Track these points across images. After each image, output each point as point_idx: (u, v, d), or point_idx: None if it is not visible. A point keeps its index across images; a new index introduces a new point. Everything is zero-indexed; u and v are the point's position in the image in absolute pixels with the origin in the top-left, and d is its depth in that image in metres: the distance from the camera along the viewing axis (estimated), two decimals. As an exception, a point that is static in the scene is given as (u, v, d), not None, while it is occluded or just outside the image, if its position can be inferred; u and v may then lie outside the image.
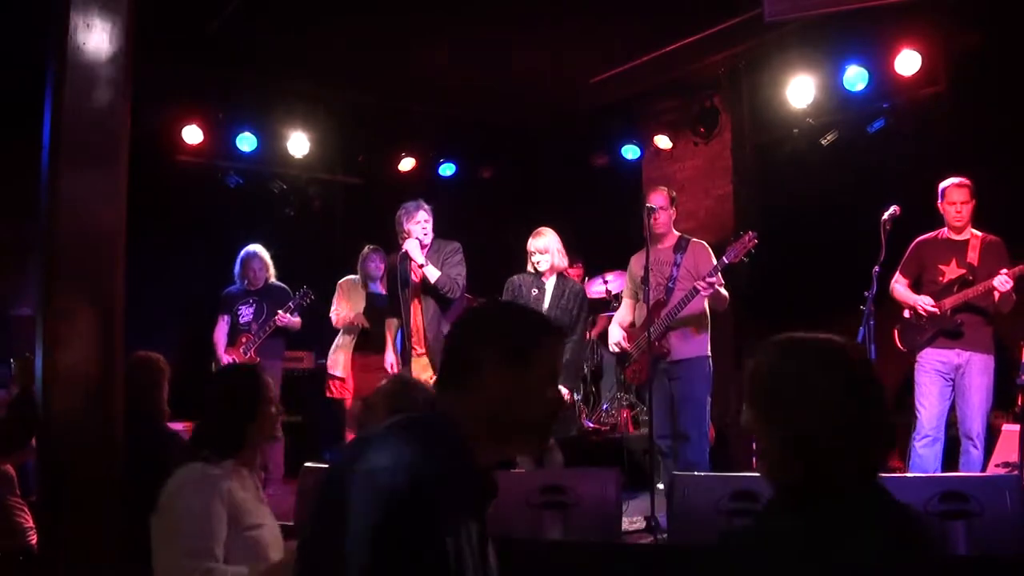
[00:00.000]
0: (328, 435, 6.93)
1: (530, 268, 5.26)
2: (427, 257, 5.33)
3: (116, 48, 2.72)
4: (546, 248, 5.16)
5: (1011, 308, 4.72)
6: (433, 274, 5.27)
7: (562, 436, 5.18)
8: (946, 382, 4.80)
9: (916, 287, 4.98)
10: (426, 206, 5.43)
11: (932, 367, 4.83)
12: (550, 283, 5.21)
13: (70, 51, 2.64)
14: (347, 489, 1.46)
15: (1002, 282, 4.57)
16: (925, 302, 4.85)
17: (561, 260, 5.26)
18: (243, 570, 2.40)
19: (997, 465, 5.13)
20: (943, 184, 4.95)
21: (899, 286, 5.04)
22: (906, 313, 4.98)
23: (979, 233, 4.91)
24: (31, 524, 4.40)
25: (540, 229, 5.28)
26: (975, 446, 4.67)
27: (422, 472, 1.44)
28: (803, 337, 1.59)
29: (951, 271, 4.88)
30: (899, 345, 5.03)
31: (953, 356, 4.79)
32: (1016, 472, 4.76)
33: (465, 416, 1.57)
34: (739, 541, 1.53)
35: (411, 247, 5.28)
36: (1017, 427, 5.03)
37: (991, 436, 5.40)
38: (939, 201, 4.95)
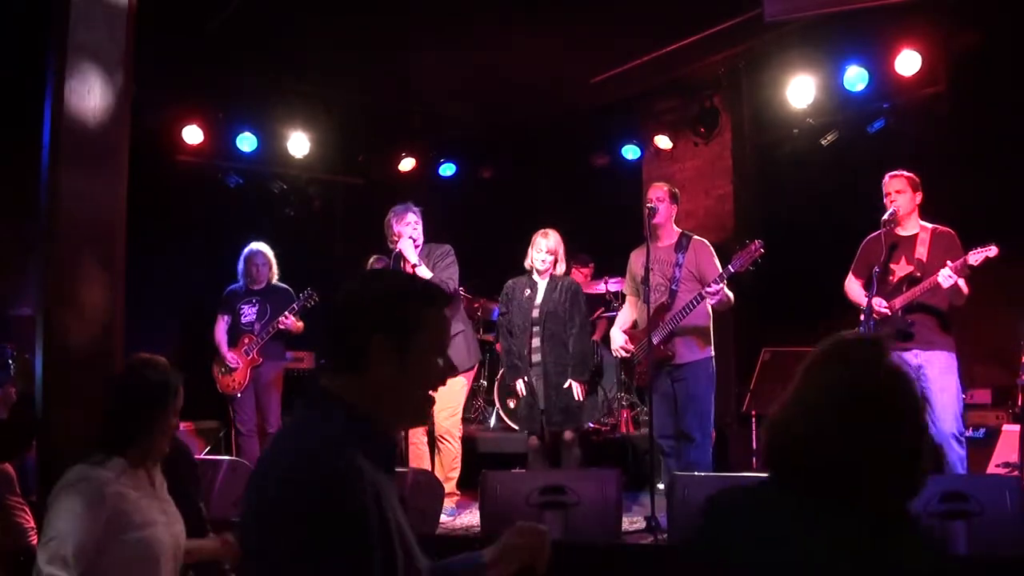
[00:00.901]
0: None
1: (528, 264, 5.30)
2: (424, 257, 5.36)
3: (116, 49, 2.72)
4: (554, 250, 5.24)
5: (964, 301, 4.54)
6: (426, 274, 5.30)
7: (573, 426, 5.17)
8: None
9: (869, 287, 4.79)
10: (415, 208, 5.46)
11: None
12: (543, 282, 5.28)
13: (70, 52, 2.64)
14: (269, 491, 1.50)
15: (946, 277, 4.43)
16: (877, 303, 4.71)
17: (560, 267, 5.30)
18: None
19: (997, 465, 5.13)
20: None
21: (853, 286, 4.92)
22: (861, 316, 4.80)
23: (929, 226, 4.75)
24: (32, 524, 4.40)
25: (547, 230, 5.31)
26: (957, 445, 4.52)
27: (337, 463, 1.47)
28: (877, 353, 1.66)
29: (901, 268, 4.74)
30: None
31: (911, 357, 4.60)
32: (1016, 472, 4.76)
33: (359, 398, 1.60)
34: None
35: (405, 247, 5.32)
36: (1017, 427, 5.02)
37: (991, 436, 5.40)
38: None
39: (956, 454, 4.52)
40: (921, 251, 4.69)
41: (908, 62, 6.16)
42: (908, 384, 1.62)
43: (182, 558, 2.56)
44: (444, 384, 1.71)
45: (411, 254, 5.31)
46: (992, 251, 4.39)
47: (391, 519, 1.49)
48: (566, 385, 5.08)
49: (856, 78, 6.44)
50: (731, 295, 4.91)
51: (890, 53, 6.22)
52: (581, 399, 5.10)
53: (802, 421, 1.56)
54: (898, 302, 4.67)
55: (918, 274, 4.65)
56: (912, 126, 6.33)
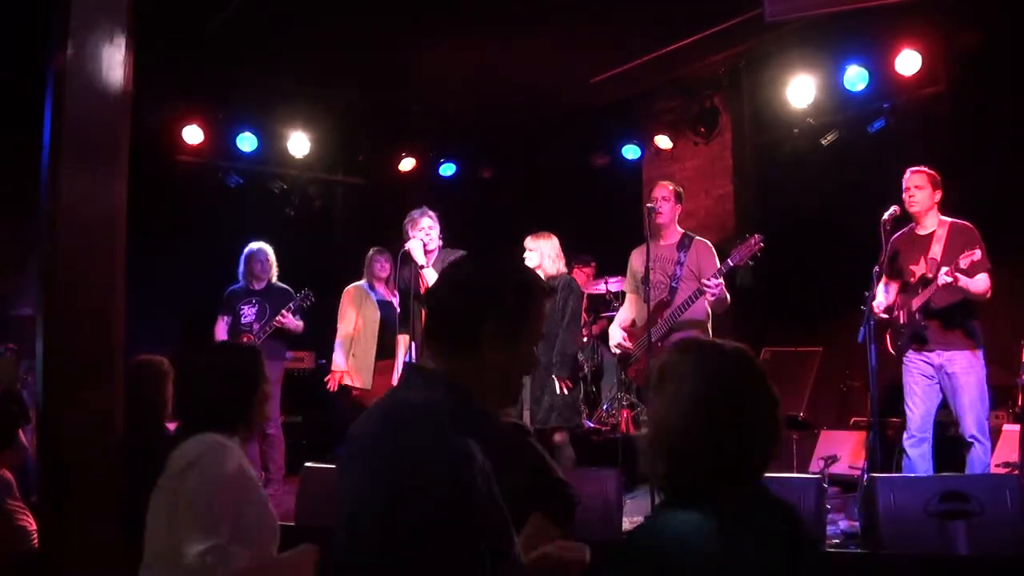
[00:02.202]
0: (335, 435, 6.91)
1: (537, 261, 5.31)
2: (433, 265, 5.37)
3: (116, 48, 2.72)
4: (535, 248, 5.28)
5: (982, 297, 4.52)
6: (433, 277, 5.31)
7: (567, 426, 5.17)
8: (929, 382, 4.66)
9: (903, 289, 4.82)
10: (431, 213, 5.48)
11: (915, 368, 4.71)
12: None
13: (70, 51, 2.64)
14: (395, 472, 1.54)
15: (943, 279, 4.44)
16: (878, 304, 4.73)
17: (552, 267, 5.30)
18: (244, 554, 2.36)
19: (997, 465, 5.12)
20: None
21: (878, 288, 4.85)
22: (884, 315, 4.80)
23: (948, 220, 4.73)
24: (34, 527, 4.39)
25: (541, 232, 5.36)
26: (979, 442, 4.54)
27: (463, 445, 1.53)
28: (698, 340, 1.73)
29: (919, 268, 4.73)
30: (889, 349, 4.96)
31: (933, 357, 4.64)
32: (1016, 472, 4.75)
33: (465, 380, 1.66)
34: (633, 538, 1.59)
35: (413, 246, 5.34)
36: (1017, 427, 5.01)
37: (991, 436, 5.39)
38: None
39: (981, 449, 4.53)
40: (936, 249, 4.68)
41: (908, 62, 6.16)
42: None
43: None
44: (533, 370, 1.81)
45: (419, 255, 5.33)
46: (977, 254, 4.38)
47: (499, 500, 1.55)
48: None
49: (856, 78, 6.44)
50: (728, 295, 4.91)
51: (890, 53, 6.21)
52: (564, 393, 5.09)
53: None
54: (915, 304, 4.68)
55: (930, 275, 4.64)
56: (912, 126, 6.33)
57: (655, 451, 1.60)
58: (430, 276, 5.30)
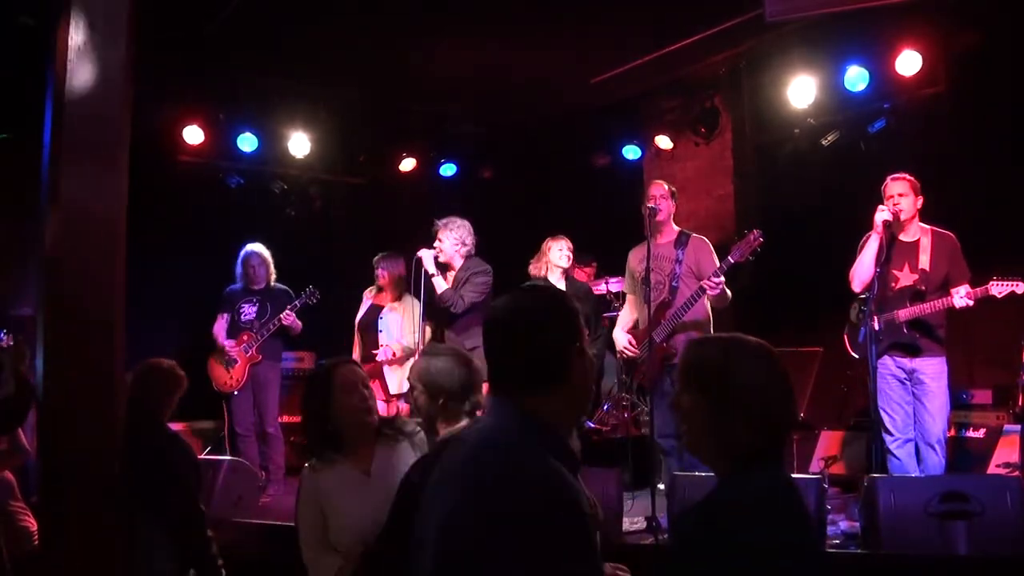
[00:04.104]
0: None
1: (545, 262, 5.59)
2: (457, 272, 5.59)
3: (116, 48, 2.72)
4: (571, 249, 5.57)
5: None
6: (440, 285, 5.52)
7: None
8: (903, 385, 4.67)
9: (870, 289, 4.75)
10: (458, 223, 5.66)
11: (889, 373, 4.69)
12: (560, 283, 5.51)
13: (70, 51, 2.64)
14: (492, 494, 1.58)
15: (960, 299, 4.45)
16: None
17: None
18: (337, 560, 2.74)
19: (998, 465, 5.13)
20: None
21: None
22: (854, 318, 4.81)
23: (928, 228, 4.71)
24: (35, 528, 4.40)
25: (559, 234, 5.64)
26: (936, 452, 4.55)
27: (564, 481, 1.60)
28: (734, 336, 1.90)
29: (905, 276, 4.69)
30: (849, 351, 4.91)
31: (906, 362, 4.66)
32: (1016, 472, 4.75)
33: (556, 415, 1.72)
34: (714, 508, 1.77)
35: (424, 255, 5.56)
36: (1017, 427, 5.01)
37: (991, 436, 5.39)
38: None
39: (938, 459, 4.56)
40: (924, 259, 4.65)
41: (908, 62, 6.16)
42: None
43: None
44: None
45: (429, 264, 5.54)
46: (1020, 287, 4.38)
47: (589, 518, 1.61)
48: None
49: (856, 78, 6.43)
50: (728, 292, 4.91)
51: (890, 53, 6.21)
52: None
53: None
54: (902, 315, 4.62)
55: (922, 287, 4.62)
56: (912, 126, 6.33)
57: (731, 423, 1.74)
58: (438, 284, 5.52)
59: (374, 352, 6.07)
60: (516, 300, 1.81)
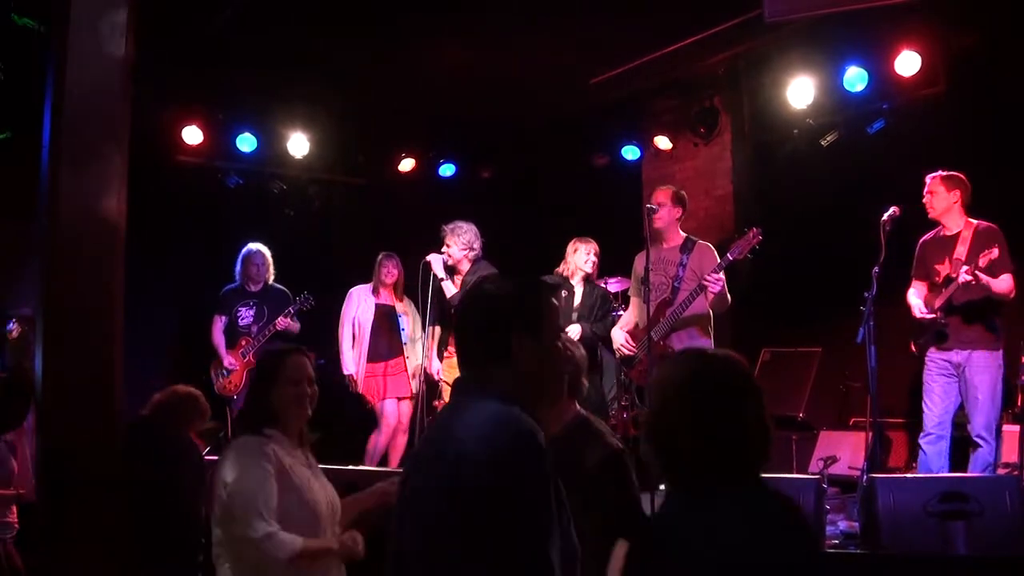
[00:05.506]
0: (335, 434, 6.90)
1: (573, 265, 5.61)
2: (465, 276, 5.67)
3: (116, 48, 2.72)
4: (598, 254, 5.61)
5: (1006, 292, 4.61)
6: (449, 290, 5.61)
7: None
8: (949, 380, 4.75)
9: (932, 288, 4.94)
10: (464, 227, 5.73)
11: (935, 366, 4.81)
12: (579, 287, 5.54)
13: (70, 51, 2.64)
14: (473, 472, 1.63)
15: (963, 277, 4.53)
16: (917, 307, 4.85)
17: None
18: (297, 539, 2.58)
19: (998, 465, 5.13)
20: None
21: (910, 292, 5.01)
22: (930, 315, 4.87)
23: (974, 222, 4.85)
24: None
25: (587, 236, 5.71)
26: (985, 442, 4.61)
27: (524, 426, 1.68)
28: (695, 350, 1.93)
29: (944, 269, 4.84)
30: (912, 348, 5.02)
31: (953, 355, 4.75)
32: (1016, 472, 4.76)
33: (514, 388, 1.77)
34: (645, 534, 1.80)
35: (433, 260, 5.67)
36: (1017, 427, 5.02)
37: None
38: None
39: (986, 449, 4.61)
40: (961, 250, 4.77)
41: (908, 62, 6.16)
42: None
43: (339, 519, 2.79)
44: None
45: (438, 268, 5.65)
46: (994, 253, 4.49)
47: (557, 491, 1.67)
48: None
49: (856, 78, 6.44)
50: (728, 295, 4.92)
51: (890, 53, 6.21)
52: None
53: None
54: (937, 303, 4.76)
55: (953, 275, 4.71)
56: (912, 127, 6.32)
57: (652, 450, 1.77)
58: (447, 288, 5.61)
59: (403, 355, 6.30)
60: (480, 281, 1.93)
